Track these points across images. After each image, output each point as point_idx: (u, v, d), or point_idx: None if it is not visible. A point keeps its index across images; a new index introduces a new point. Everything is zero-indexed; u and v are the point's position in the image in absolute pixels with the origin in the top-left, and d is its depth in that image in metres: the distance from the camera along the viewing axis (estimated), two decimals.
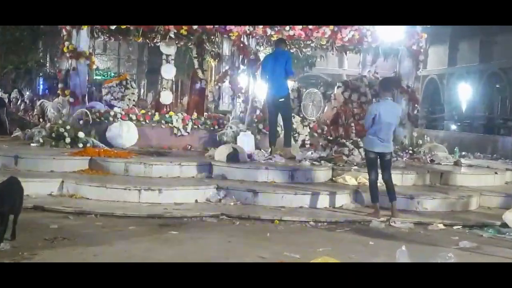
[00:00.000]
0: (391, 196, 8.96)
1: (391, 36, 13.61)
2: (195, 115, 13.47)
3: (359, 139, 12.33)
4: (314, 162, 11.32)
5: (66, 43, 12.76)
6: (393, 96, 11.22)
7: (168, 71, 14.63)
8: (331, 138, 13.20)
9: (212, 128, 13.23)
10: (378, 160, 8.95)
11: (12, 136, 13.97)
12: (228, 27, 13.02)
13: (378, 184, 9.03)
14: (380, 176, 8.99)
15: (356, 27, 13.58)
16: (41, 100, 17.34)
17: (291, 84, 13.85)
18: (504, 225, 8.66)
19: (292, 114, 12.90)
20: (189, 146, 13.06)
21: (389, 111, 8.81)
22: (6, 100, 19.12)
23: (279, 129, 12.53)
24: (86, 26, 12.63)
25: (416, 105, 14.20)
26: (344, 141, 12.56)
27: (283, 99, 11.87)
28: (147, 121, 13.04)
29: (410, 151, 13.18)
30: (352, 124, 13.73)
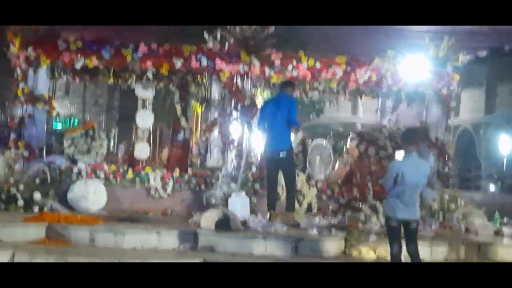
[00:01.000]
0: None
1: (415, 77, 13.74)
2: (177, 172, 13.47)
3: (378, 202, 12.31)
4: (323, 231, 11.28)
5: (21, 85, 12.86)
6: (419, 150, 11.26)
7: (145, 119, 14.70)
8: (343, 201, 13.20)
9: (197, 188, 13.23)
10: (402, 228, 8.92)
11: None
12: (218, 66, 13.12)
13: (402, 259, 8.97)
14: (404, 248, 8.94)
15: (372, 67, 13.73)
16: None
17: (294, 135, 13.92)
18: None
19: (296, 172, 12.91)
20: (169, 210, 13.02)
21: (414, 169, 8.82)
22: None
23: (279, 189, 12.53)
24: (45, 64, 12.74)
25: (447, 161, 14.25)
26: (360, 204, 12.54)
27: (285, 154, 11.90)
28: (118, 179, 13.04)
29: (441, 218, 13.15)
30: (369, 184, 13.72)
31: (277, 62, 13.32)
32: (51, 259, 9.03)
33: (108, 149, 21.55)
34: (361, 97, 15.97)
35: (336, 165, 14.94)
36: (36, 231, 10.31)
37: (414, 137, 9.28)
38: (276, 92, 13.12)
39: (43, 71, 12.88)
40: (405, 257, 9.03)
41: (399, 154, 13.40)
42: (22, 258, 9.13)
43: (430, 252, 10.79)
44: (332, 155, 14.62)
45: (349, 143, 15.07)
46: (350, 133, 16.36)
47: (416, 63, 13.89)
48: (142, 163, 14.59)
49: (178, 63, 12.99)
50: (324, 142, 15.23)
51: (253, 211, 12.36)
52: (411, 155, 8.95)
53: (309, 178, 13.71)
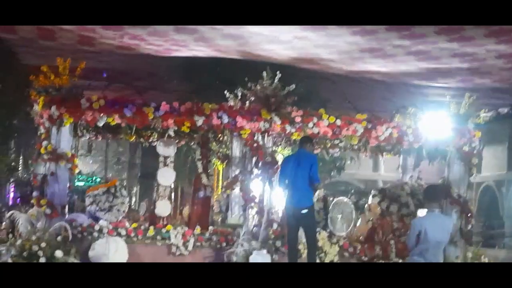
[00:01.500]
0: None
1: (437, 134, 13.73)
2: (198, 229, 13.44)
3: (401, 261, 12.21)
4: None
5: (44, 143, 12.94)
6: (442, 207, 11.19)
7: (166, 176, 14.73)
8: (365, 259, 13.09)
9: (218, 246, 13.17)
10: None
11: None
12: (239, 124, 13.19)
13: None
14: None
15: (394, 124, 13.75)
16: (11, 212, 17.35)
17: (316, 192, 13.89)
18: None
19: (318, 229, 12.86)
20: None
21: (437, 226, 8.76)
22: None
23: (301, 247, 12.46)
24: (68, 123, 12.85)
25: (469, 219, 14.13)
26: (382, 262, 12.43)
27: (306, 211, 11.88)
28: (139, 237, 13.03)
29: None
30: (392, 242, 13.63)
31: (298, 119, 13.37)
32: None
33: (130, 206, 21.64)
34: (382, 154, 15.93)
35: (358, 223, 14.86)
36: None
37: (436, 194, 9.25)
38: (296, 148, 13.13)
39: (66, 129, 12.96)
40: None
41: (421, 212, 13.34)
42: None
43: None
44: (354, 212, 14.56)
45: (371, 200, 15.01)
46: (372, 190, 16.30)
47: (437, 120, 13.89)
48: (163, 221, 14.59)
49: (200, 121, 13.07)
50: (345, 199, 15.19)
51: None
52: (434, 212, 8.91)
53: (331, 236, 13.63)
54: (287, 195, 12.20)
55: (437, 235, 8.72)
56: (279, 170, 12.76)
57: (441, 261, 8.94)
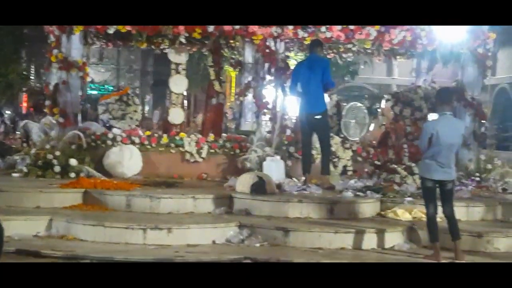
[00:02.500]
0: (454, 234, 8.88)
1: (451, 37, 13.58)
2: (211, 136, 13.51)
3: (413, 164, 12.27)
4: (359, 193, 11.28)
5: (55, 51, 12.92)
6: (454, 110, 11.18)
7: (179, 84, 14.72)
8: (379, 163, 13.15)
9: (232, 153, 13.26)
10: (438, 190, 8.90)
11: None
12: (250, 29, 13.07)
13: (438, 220, 8.97)
14: (440, 209, 8.93)
15: (407, 26, 13.59)
16: (25, 121, 17.53)
17: (329, 97, 13.87)
18: None
19: (331, 134, 12.89)
20: (205, 175, 13.11)
21: (449, 129, 8.77)
22: None
23: (314, 152, 12.53)
24: (78, 30, 12.78)
25: (483, 121, 14.12)
26: (395, 166, 12.50)
27: (319, 116, 11.87)
28: (153, 144, 13.12)
29: (477, 178, 13.08)
30: (405, 146, 13.68)
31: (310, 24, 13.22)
32: (88, 224, 9.17)
33: (143, 114, 21.75)
34: (395, 58, 15.83)
35: (371, 127, 14.88)
36: (73, 197, 10.47)
37: (448, 97, 9.21)
38: (307, 53, 13.04)
39: (76, 37, 12.90)
40: (441, 218, 9.04)
41: (432, 116, 13.34)
42: (60, 223, 9.28)
43: (467, 212, 10.75)
44: (367, 117, 14.55)
45: (384, 105, 14.99)
46: (385, 95, 16.27)
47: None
48: (176, 128, 14.66)
49: (211, 27, 12.96)
50: (359, 104, 15.16)
51: (288, 174, 12.37)
52: (446, 115, 8.89)
53: (344, 141, 13.67)
54: (300, 101, 12.17)
55: (449, 138, 8.74)
56: (291, 75, 12.70)
57: (453, 163, 8.98)
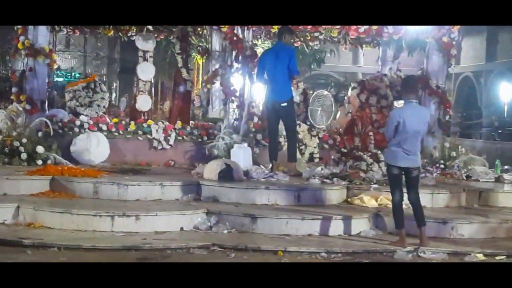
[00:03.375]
0: (419, 221, 8.95)
1: (416, 26, 13.64)
2: (179, 124, 13.48)
3: (379, 152, 12.32)
4: (325, 180, 11.32)
5: (21, 38, 12.79)
6: (419, 98, 11.24)
7: (146, 71, 14.66)
8: (345, 151, 13.18)
9: (200, 140, 13.24)
10: (403, 177, 8.96)
11: None
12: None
13: (404, 206, 9.03)
14: (405, 196, 8.99)
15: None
16: None
17: (296, 85, 13.88)
18: None
19: (297, 122, 12.91)
20: (172, 162, 13.08)
21: (415, 117, 8.82)
22: None
23: (281, 140, 12.55)
24: None
25: (448, 110, 14.22)
26: (361, 154, 12.53)
27: (285, 104, 11.88)
28: (120, 132, 13.06)
29: (442, 166, 13.17)
30: (371, 133, 13.68)
31: None
32: (56, 212, 9.10)
33: (110, 102, 21.60)
34: (361, 47, 15.87)
35: (338, 115, 14.91)
36: (40, 184, 10.38)
37: (413, 85, 9.27)
38: (274, 41, 13.02)
39: None
40: (407, 205, 9.10)
41: (397, 103, 13.41)
42: (27, 211, 9.20)
43: (431, 199, 10.85)
44: (333, 105, 14.60)
45: (350, 93, 15.05)
46: (351, 83, 16.33)
47: None
48: (144, 115, 14.60)
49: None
50: (325, 92, 15.21)
51: (255, 161, 12.37)
52: (412, 103, 8.94)
53: (310, 128, 13.70)
54: (266, 89, 12.17)
55: (415, 125, 8.78)
56: (258, 63, 12.68)
57: (419, 151, 9.05)
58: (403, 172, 8.93)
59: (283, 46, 12.02)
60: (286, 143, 12.32)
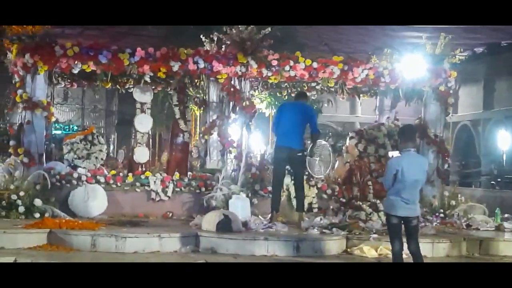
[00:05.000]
0: None
1: (413, 75, 13.76)
2: (177, 175, 13.48)
3: (378, 201, 12.32)
4: (324, 230, 11.29)
5: (19, 91, 12.84)
6: (417, 147, 11.26)
7: (143, 123, 14.72)
8: (344, 200, 13.19)
9: (198, 191, 13.24)
10: (403, 226, 8.93)
11: None
12: (215, 68, 13.15)
13: (404, 256, 8.98)
14: (405, 246, 8.94)
15: (370, 65, 13.76)
16: None
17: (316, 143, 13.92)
18: None
19: None
20: (170, 214, 13.05)
21: (414, 165, 8.81)
22: None
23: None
24: (43, 71, 12.73)
25: (446, 158, 14.28)
26: (360, 203, 12.54)
27: (300, 154, 11.88)
28: (118, 184, 13.06)
29: (442, 214, 13.16)
30: (369, 183, 13.71)
31: (274, 63, 13.34)
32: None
33: (108, 154, 21.61)
34: (359, 96, 15.96)
35: (336, 165, 14.92)
36: (38, 237, 10.35)
37: (411, 134, 9.27)
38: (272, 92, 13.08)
39: (41, 77, 12.85)
40: (407, 254, 9.05)
41: (393, 153, 13.43)
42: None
43: (432, 248, 10.80)
44: (331, 154, 14.57)
45: (348, 142, 15.07)
46: (349, 132, 16.36)
47: (413, 61, 13.90)
48: (142, 167, 14.61)
49: (176, 67, 12.99)
50: (323, 142, 15.21)
51: (253, 212, 12.35)
52: (410, 152, 8.95)
53: (309, 178, 13.68)
54: (280, 138, 12.12)
55: (413, 174, 8.77)
56: (276, 113, 12.71)
57: (418, 200, 9.01)
58: (402, 222, 8.90)
59: (304, 104, 12.22)
60: (285, 195, 12.33)
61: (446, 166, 14.23)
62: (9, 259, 9.23)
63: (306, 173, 13.82)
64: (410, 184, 8.77)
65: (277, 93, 17.59)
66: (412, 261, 8.96)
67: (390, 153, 14.11)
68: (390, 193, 8.93)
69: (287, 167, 12.31)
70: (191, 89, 15.27)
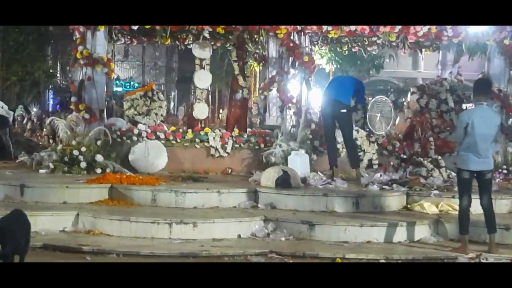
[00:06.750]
0: (490, 227, 8.82)
1: (476, 29, 13.49)
2: (236, 131, 13.54)
3: (439, 157, 12.22)
4: (384, 187, 11.26)
5: (80, 48, 12.99)
6: (490, 101, 11.08)
7: (203, 79, 14.77)
8: (404, 157, 13.11)
9: (257, 147, 13.27)
10: (476, 181, 8.83)
11: (17, 161, 14.21)
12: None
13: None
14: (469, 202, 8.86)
15: None
16: (51, 118, 17.65)
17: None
18: None
19: (356, 128, 12.89)
20: (230, 170, 13.13)
21: (485, 119, 8.66)
22: (10, 119, 19.47)
23: (339, 146, 12.52)
24: (103, 27, 12.85)
25: (510, 114, 14.01)
26: (421, 159, 12.46)
27: (345, 110, 11.85)
28: (178, 140, 13.16)
29: (505, 171, 12.99)
30: (431, 139, 13.59)
31: None
32: (115, 219, 9.22)
33: (168, 110, 21.81)
34: (421, 51, 15.74)
35: (397, 121, 14.81)
36: (99, 192, 10.54)
37: (485, 88, 9.12)
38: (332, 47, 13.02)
39: (101, 34, 12.98)
40: (473, 210, 8.95)
41: (468, 106, 13.24)
42: (86, 218, 9.35)
43: (494, 205, 10.62)
44: (392, 110, 14.48)
45: (410, 98, 14.93)
46: (411, 88, 16.20)
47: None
48: (201, 124, 14.71)
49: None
50: (384, 98, 15.10)
51: (313, 168, 12.36)
52: (482, 106, 8.83)
53: (369, 135, 13.62)
54: (327, 92, 12.13)
55: (483, 128, 8.63)
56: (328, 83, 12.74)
57: (490, 155, 8.90)
58: (475, 175, 8.79)
59: (355, 78, 12.31)
60: (346, 151, 12.32)
61: (510, 121, 13.98)
62: (72, 213, 9.45)
63: (367, 129, 13.80)
64: (480, 138, 8.64)
65: (337, 48, 17.51)
66: (476, 217, 8.90)
67: (464, 106, 13.93)
68: (461, 148, 8.84)
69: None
70: (250, 44, 15.25)
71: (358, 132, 13.17)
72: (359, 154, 12.96)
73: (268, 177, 11.02)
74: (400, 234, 9.38)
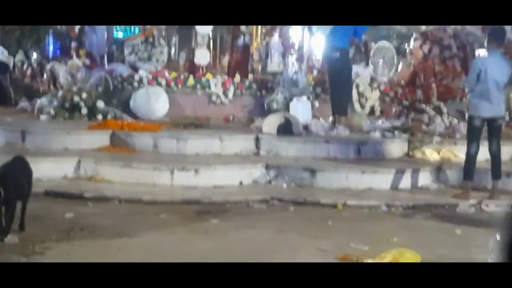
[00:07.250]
0: (495, 174, 8.88)
1: None
2: (237, 78, 13.49)
3: (442, 104, 12.19)
4: (386, 133, 11.26)
5: None
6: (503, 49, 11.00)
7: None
8: (407, 103, 13.09)
9: (258, 94, 13.24)
10: (486, 127, 8.83)
11: (17, 107, 14.22)
12: None
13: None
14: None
15: None
16: (52, 63, 17.58)
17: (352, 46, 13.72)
18: None
19: (355, 75, 12.81)
20: (231, 116, 13.12)
21: (497, 66, 8.64)
22: (10, 64, 19.41)
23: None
24: None
25: None
26: (424, 106, 12.44)
27: (338, 53, 11.69)
28: (179, 86, 13.13)
29: (507, 117, 12.96)
30: (433, 85, 13.56)
31: None
32: (116, 166, 9.24)
33: (169, 56, 21.64)
34: None
35: (400, 67, 14.76)
36: (101, 139, 10.53)
37: (499, 35, 9.06)
38: None
39: None
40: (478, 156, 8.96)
41: (481, 52, 13.16)
42: (88, 165, 9.35)
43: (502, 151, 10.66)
44: (395, 57, 14.44)
45: (413, 44, 14.83)
46: (414, 33, 16.08)
47: None
48: (202, 70, 14.63)
49: None
50: (387, 44, 15.03)
51: (315, 115, 12.35)
52: (495, 53, 8.79)
53: (372, 81, 13.57)
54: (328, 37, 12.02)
55: (496, 75, 8.60)
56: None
57: (501, 100, 8.90)
58: (486, 123, 8.79)
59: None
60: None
61: None
62: (74, 159, 9.45)
63: (370, 75, 13.74)
64: (492, 84, 8.62)
65: None
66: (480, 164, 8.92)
67: (477, 52, 13.85)
68: (473, 95, 8.88)
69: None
70: None
71: (355, 80, 13.06)
72: (361, 100, 12.91)
73: (270, 123, 11.02)
74: (402, 181, 9.42)
